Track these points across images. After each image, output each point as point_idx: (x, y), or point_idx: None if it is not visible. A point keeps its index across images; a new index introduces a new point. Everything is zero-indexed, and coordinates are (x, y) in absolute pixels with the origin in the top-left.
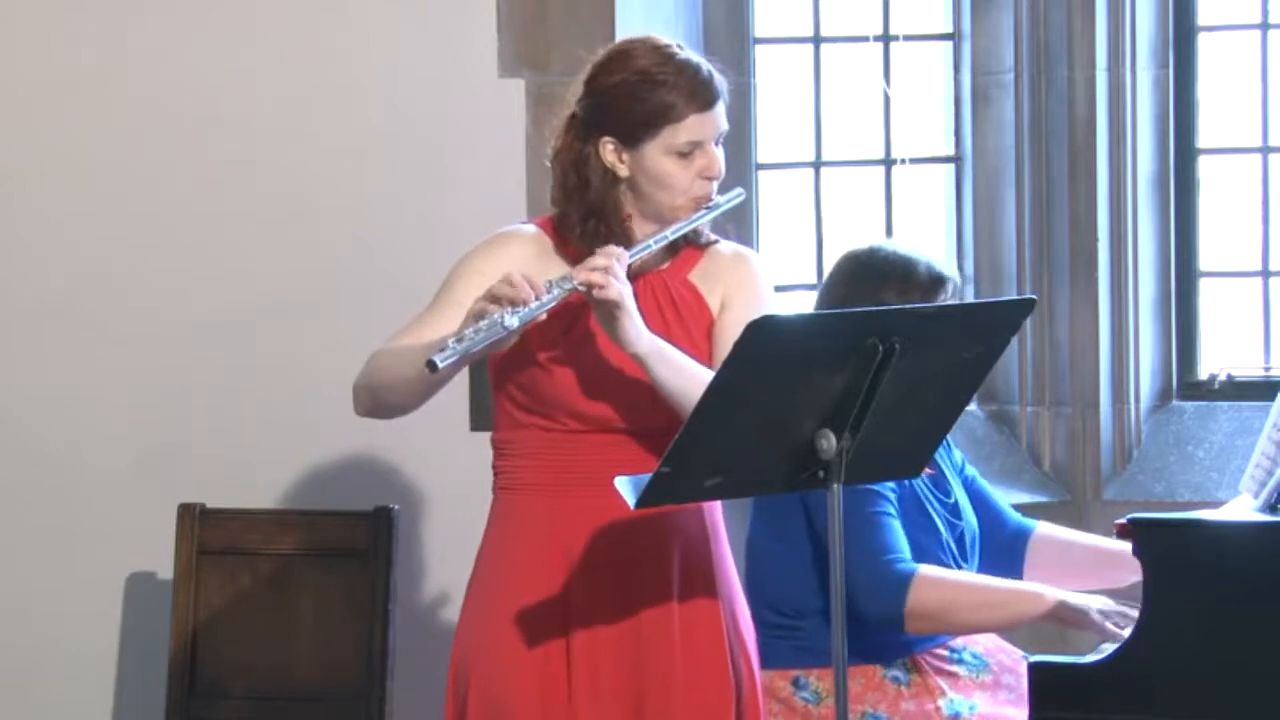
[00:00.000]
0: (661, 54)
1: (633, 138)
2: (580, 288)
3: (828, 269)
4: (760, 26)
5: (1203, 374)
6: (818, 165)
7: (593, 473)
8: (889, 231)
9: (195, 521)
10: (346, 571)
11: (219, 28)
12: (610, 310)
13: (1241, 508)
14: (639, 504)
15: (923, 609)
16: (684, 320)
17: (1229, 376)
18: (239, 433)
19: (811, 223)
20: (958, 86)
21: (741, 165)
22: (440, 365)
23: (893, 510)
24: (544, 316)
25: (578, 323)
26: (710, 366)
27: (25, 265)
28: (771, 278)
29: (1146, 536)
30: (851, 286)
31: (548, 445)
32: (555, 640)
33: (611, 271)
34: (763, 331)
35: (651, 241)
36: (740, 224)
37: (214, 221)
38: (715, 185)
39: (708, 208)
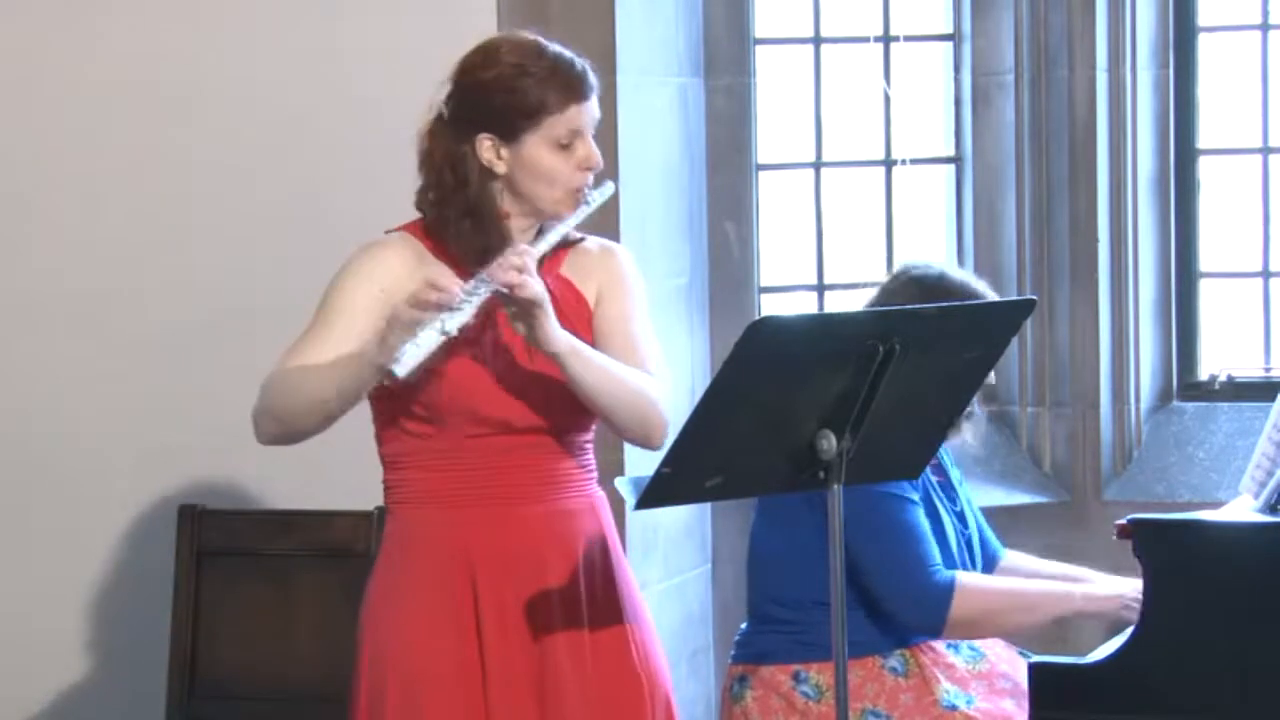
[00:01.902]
0: (531, 47)
1: (512, 132)
2: (502, 290)
3: (829, 269)
4: (760, 26)
5: (1203, 374)
6: (818, 165)
7: (492, 482)
8: (889, 232)
9: (195, 522)
10: (346, 571)
11: (218, 28)
12: (529, 309)
13: (1241, 508)
14: (639, 506)
15: (964, 617)
16: (566, 315)
17: (1229, 377)
18: (239, 433)
19: (811, 223)
20: (958, 87)
21: (742, 165)
22: (402, 375)
23: (921, 514)
24: (472, 322)
25: (476, 323)
26: None
27: (26, 268)
28: (636, 267)
29: (1147, 537)
30: None
31: (444, 455)
32: (469, 653)
33: (528, 270)
34: (763, 332)
35: (552, 237)
36: (741, 224)
37: (214, 222)
38: (592, 177)
39: (587, 202)
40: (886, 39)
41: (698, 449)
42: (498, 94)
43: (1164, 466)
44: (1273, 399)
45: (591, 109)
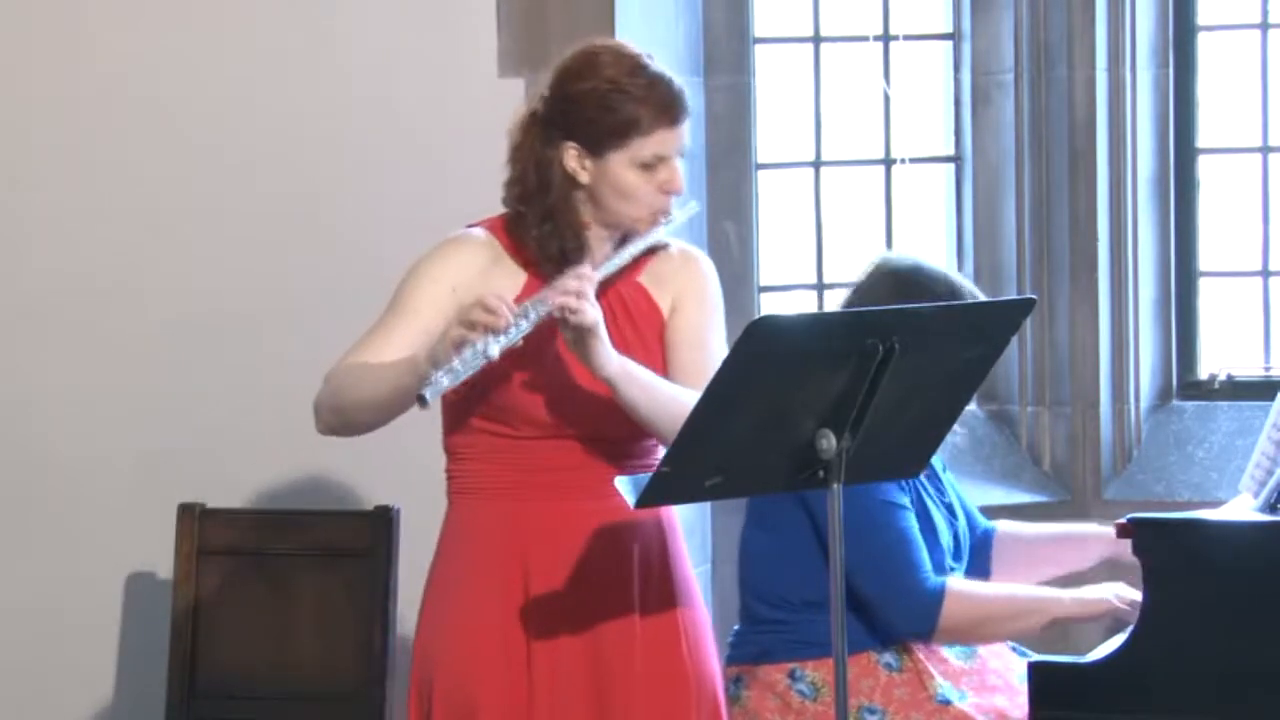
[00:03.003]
0: (632, 64)
1: (598, 146)
2: (555, 313)
3: (829, 269)
4: (760, 26)
5: (1203, 374)
6: (818, 165)
7: (550, 476)
8: (889, 232)
9: (195, 521)
10: (346, 571)
11: (217, 29)
12: (582, 335)
13: (1241, 508)
14: (638, 504)
15: (954, 624)
16: (636, 323)
17: (1229, 376)
18: (239, 432)
19: (811, 223)
20: (958, 86)
21: (741, 165)
22: (430, 400)
23: (913, 519)
24: (521, 343)
25: (536, 332)
26: (663, 369)
27: (25, 267)
28: (717, 280)
29: (1146, 536)
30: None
31: (504, 450)
32: (516, 646)
33: (584, 295)
34: (763, 331)
35: (617, 260)
36: (741, 223)
37: (213, 222)
38: (674, 200)
39: (665, 221)
40: (886, 38)
41: (697, 448)
42: (590, 107)
43: (1164, 466)
44: (1273, 398)
45: (682, 134)
